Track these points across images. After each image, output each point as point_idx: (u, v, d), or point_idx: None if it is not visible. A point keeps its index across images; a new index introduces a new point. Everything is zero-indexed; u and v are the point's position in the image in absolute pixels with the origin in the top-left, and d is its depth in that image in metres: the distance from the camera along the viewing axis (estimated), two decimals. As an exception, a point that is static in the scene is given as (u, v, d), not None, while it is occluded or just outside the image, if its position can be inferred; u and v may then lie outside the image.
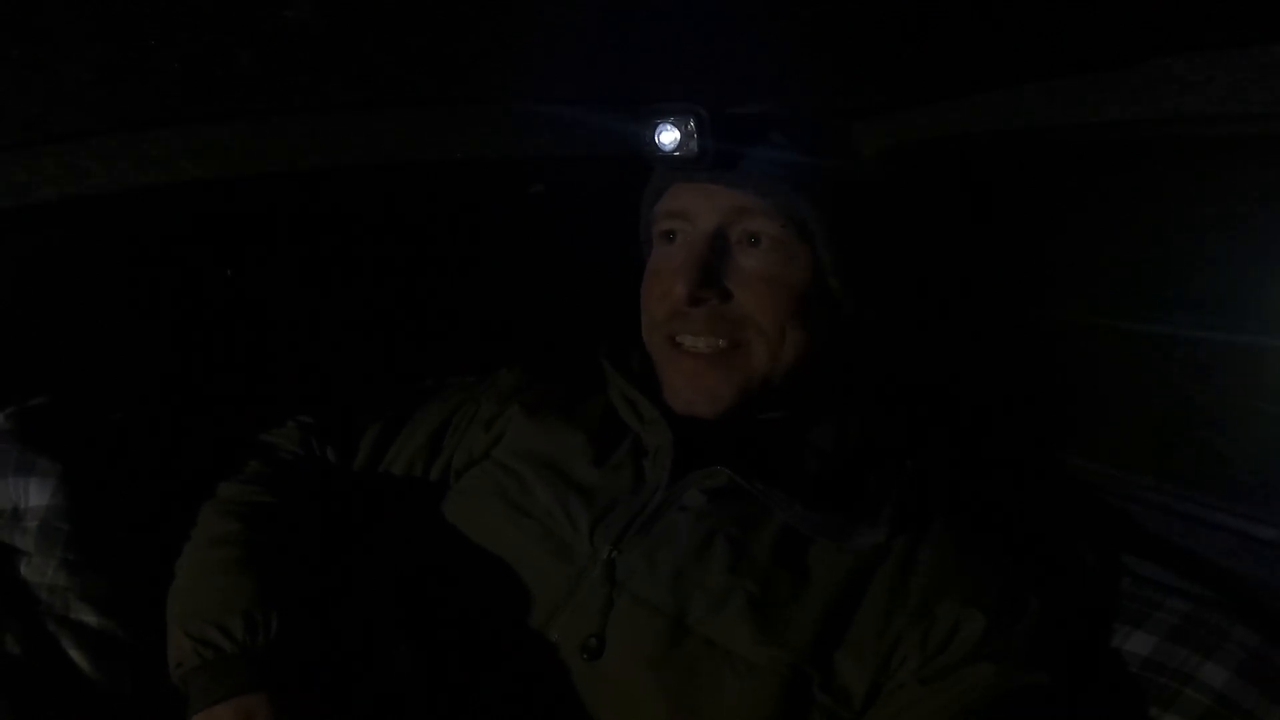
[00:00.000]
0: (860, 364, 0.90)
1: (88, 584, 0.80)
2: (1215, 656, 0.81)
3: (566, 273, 1.23)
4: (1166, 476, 1.03)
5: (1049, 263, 1.18)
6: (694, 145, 0.78)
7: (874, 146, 1.26)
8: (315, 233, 1.15)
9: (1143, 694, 0.83)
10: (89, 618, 0.79)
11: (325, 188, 1.08)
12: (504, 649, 0.80)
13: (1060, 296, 1.17)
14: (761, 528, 0.80)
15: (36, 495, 0.83)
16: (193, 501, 0.88)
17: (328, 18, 0.70)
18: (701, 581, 0.78)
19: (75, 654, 0.77)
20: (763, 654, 0.74)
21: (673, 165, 0.83)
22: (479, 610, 0.82)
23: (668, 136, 0.79)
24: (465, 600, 0.84)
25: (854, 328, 0.87)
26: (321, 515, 0.91)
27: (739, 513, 0.81)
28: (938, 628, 0.75)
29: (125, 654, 0.80)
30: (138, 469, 0.93)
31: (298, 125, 1.00)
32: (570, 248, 1.22)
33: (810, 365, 0.85)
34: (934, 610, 0.76)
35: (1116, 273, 1.10)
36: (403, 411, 1.01)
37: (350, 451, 0.98)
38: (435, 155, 1.07)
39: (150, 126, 0.95)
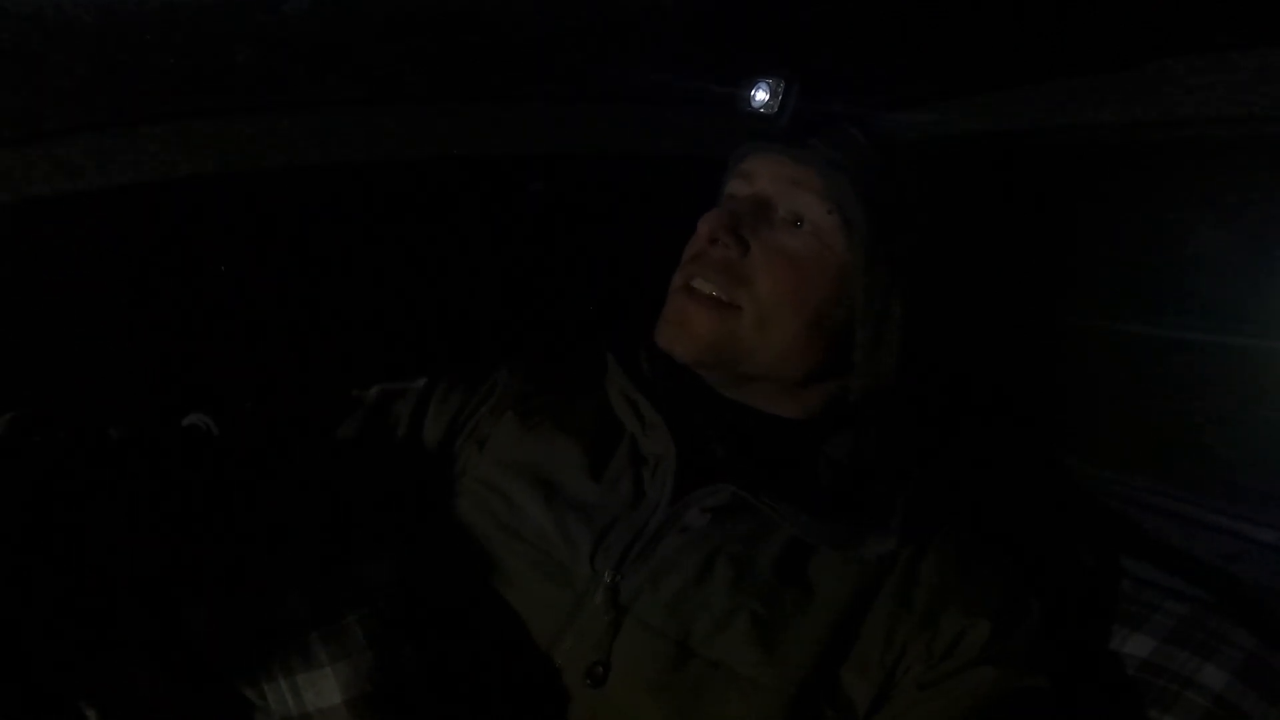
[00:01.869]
0: (883, 381, 0.88)
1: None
2: (1215, 659, 0.81)
3: (567, 271, 1.22)
4: (1166, 479, 1.03)
5: (1050, 266, 1.18)
6: (777, 105, 0.84)
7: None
8: (312, 230, 1.13)
9: (1142, 696, 0.83)
10: None
11: (324, 184, 1.07)
12: (505, 676, 0.78)
13: (1061, 300, 1.17)
14: (766, 543, 0.79)
15: None
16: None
17: (325, 13, 0.69)
18: (705, 602, 0.76)
19: None
20: (768, 673, 0.73)
21: (756, 124, 0.87)
22: (478, 637, 0.79)
23: (761, 94, 0.85)
24: (463, 626, 0.80)
25: (868, 345, 0.86)
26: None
27: (743, 528, 0.79)
28: (942, 637, 0.75)
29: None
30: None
31: (296, 122, 0.99)
32: (570, 246, 1.21)
33: (802, 362, 0.84)
34: (939, 620, 0.75)
35: (1117, 276, 1.10)
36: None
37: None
38: (433, 152, 1.06)
39: (145, 122, 0.94)
